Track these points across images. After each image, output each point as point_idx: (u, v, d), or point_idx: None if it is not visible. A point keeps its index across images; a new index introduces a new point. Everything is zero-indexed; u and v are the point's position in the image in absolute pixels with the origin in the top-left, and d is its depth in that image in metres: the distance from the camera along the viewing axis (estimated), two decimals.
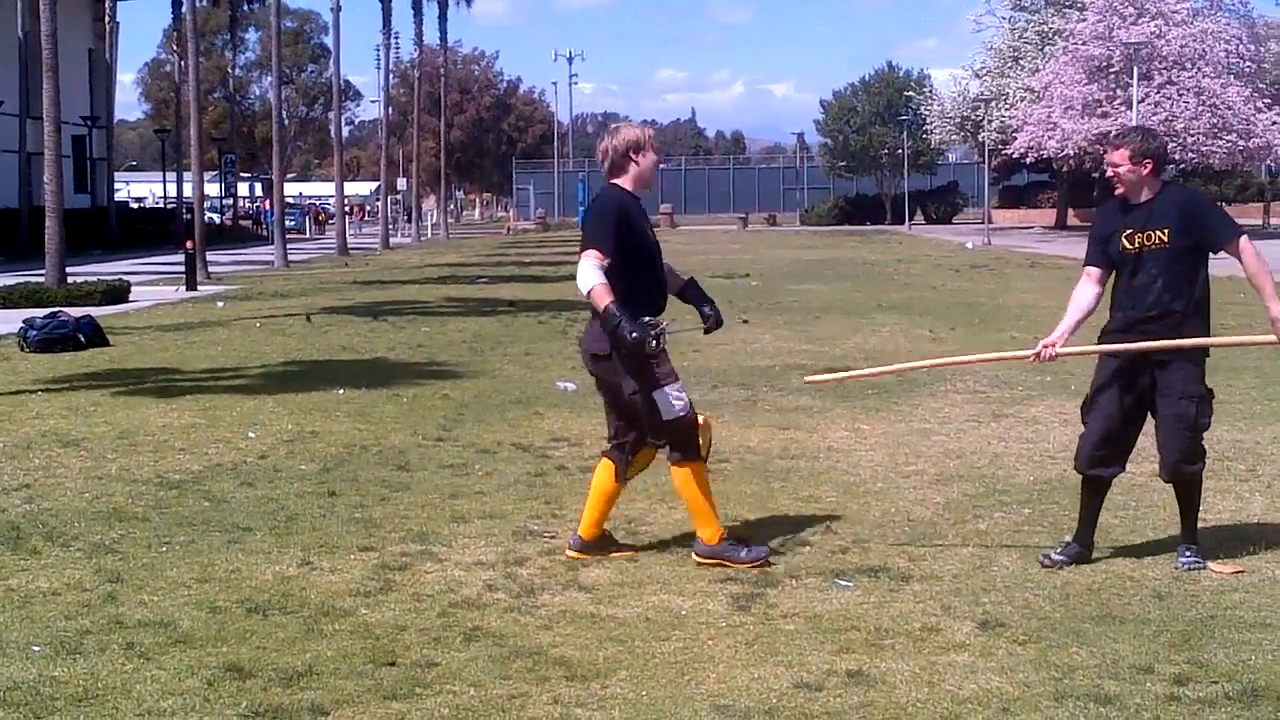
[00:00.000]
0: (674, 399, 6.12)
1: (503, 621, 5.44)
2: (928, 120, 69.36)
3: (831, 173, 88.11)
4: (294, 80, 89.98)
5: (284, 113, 56.87)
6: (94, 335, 16.24)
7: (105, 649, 5.09)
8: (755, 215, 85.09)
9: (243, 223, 72.25)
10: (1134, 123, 37.68)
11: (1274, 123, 51.60)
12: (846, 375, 8.32)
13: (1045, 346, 6.29)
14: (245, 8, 71.46)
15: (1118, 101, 50.64)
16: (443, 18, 71.72)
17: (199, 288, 27.89)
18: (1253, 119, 51.26)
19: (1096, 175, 54.18)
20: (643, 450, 6.40)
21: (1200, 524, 6.33)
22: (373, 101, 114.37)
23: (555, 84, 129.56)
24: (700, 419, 6.32)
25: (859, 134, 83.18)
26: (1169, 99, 50.66)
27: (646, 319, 6.02)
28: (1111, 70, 51.74)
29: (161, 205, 69.98)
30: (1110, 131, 45.66)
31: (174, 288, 27.89)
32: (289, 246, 41.92)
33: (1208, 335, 6.23)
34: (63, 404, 11.46)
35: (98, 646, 5.12)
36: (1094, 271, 6.29)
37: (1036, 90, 55.16)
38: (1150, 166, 6.12)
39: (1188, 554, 6.11)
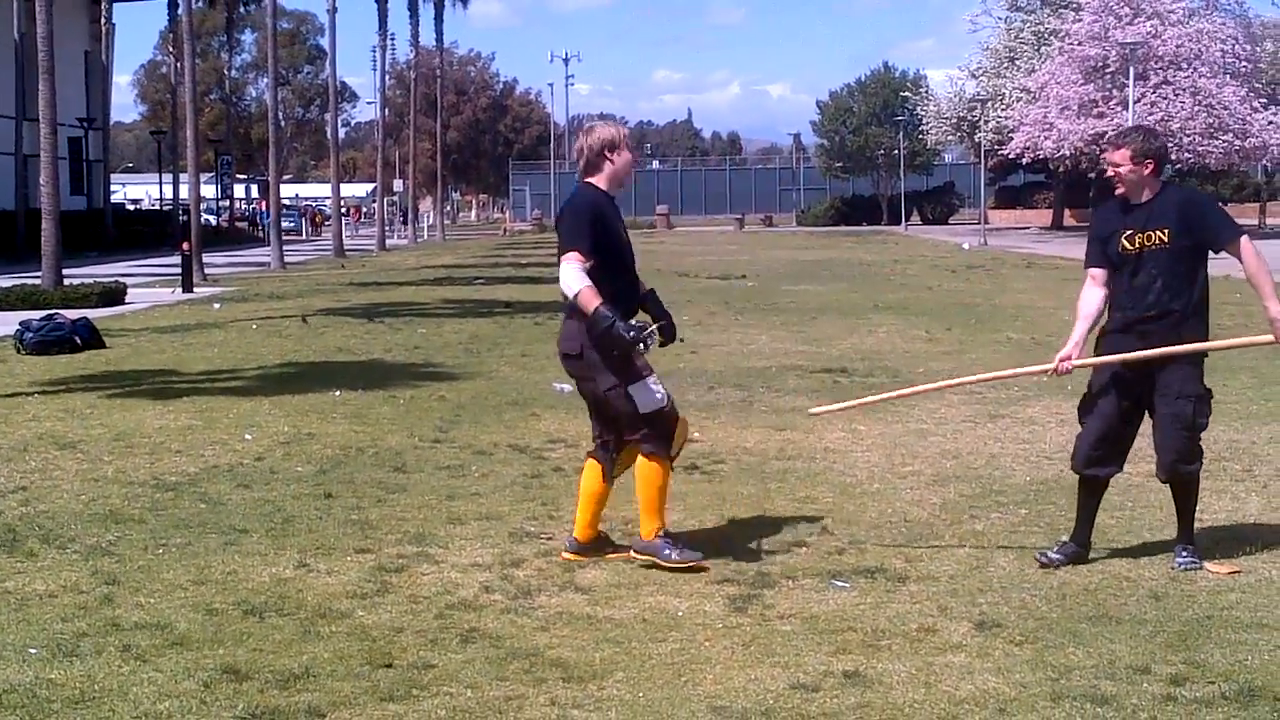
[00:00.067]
0: (654, 389, 6.12)
1: (499, 623, 5.43)
2: (924, 121, 69.48)
3: (828, 173, 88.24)
4: (290, 82, 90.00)
5: (280, 114, 56.91)
6: (90, 337, 16.23)
7: (102, 651, 5.09)
8: (751, 216, 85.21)
9: (239, 224, 72.23)
10: (1130, 123, 37.70)
11: (1270, 122, 51.70)
12: (853, 404, 7.86)
13: (1062, 360, 6.24)
14: (241, 9, 71.50)
15: (1114, 102, 50.69)
16: (439, 19, 71.91)
17: (195, 289, 27.90)
18: (1249, 119, 51.34)
19: (1093, 175, 54.32)
20: (627, 448, 6.38)
21: (1197, 524, 6.34)
22: (369, 103, 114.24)
23: (551, 85, 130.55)
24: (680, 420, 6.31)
25: (855, 135, 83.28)
26: (1165, 99, 50.74)
27: (635, 321, 6.04)
28: (1107, 70, 51.79)
29: (158, 207, 70.03)
30: (1106, 132, 45.92)
31: (170, 289, 27.89)
32: (285, 248, 41.92)
33: (1206, 335, 6.23)
34: (59, 406, 11.45)
35: (94, 649, 5.11)
36: (1097, 274, 6.27)
37: (1032, 91, 55.24)
38: (1151, 166, 6.12)
39: (1184, 554, 6.12)
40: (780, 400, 11.38)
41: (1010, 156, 57.29)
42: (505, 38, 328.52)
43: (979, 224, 56.75)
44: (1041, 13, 61.14)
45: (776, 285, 27.11)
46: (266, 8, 45.43)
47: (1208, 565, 6.06)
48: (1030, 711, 4.47)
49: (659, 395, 6.14)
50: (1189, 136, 50.16)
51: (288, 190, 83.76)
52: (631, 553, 6.31)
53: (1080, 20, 53.12)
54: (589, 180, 6.30)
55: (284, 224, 51.33)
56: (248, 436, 9.80)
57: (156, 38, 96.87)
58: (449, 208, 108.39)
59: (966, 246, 45.49)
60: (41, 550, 6.60)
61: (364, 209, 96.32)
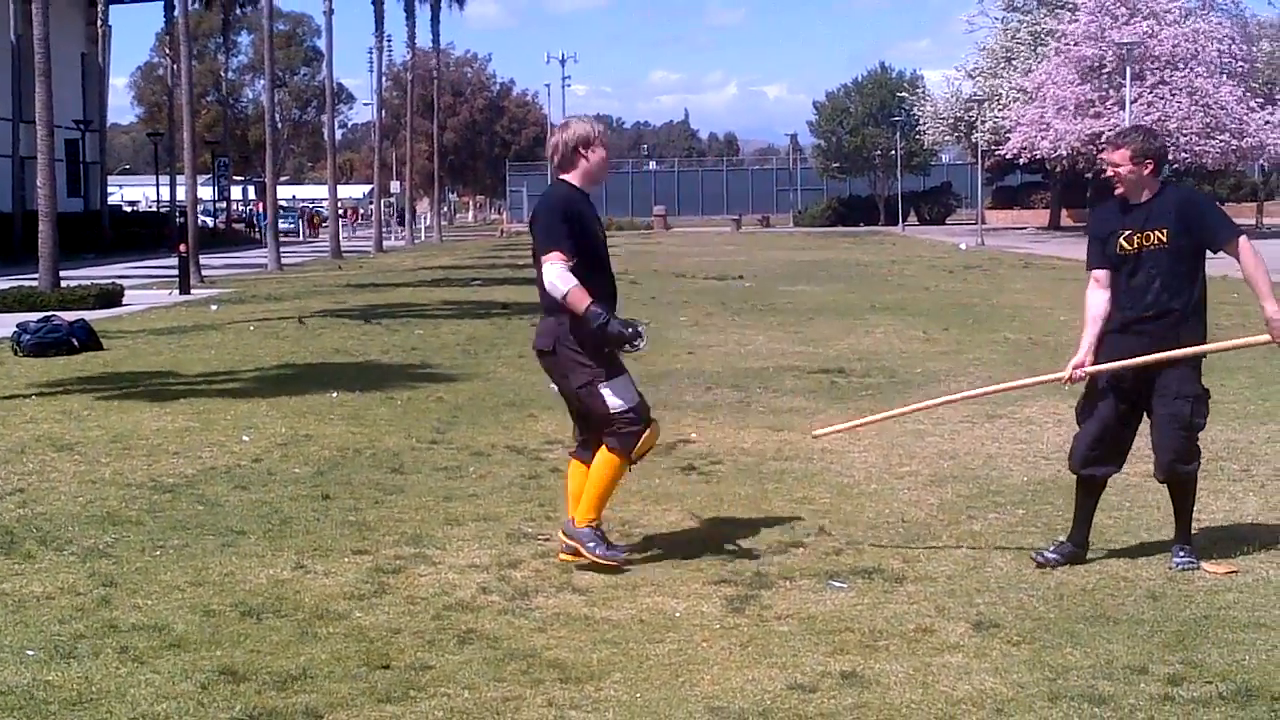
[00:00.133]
0: (625, 391, 6.12)
1: (497, 624, 5.43)
2: (921, 121, 69.51)
3: (825, 174, 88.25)
4: (287, 83, 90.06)
5: (277, 116, 56.88)
6: (87, 339, 16.21)
7: (99, 653, 5.08)
8: (749, 217, 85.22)
9: (236, 226, 72.23)
10: (1127, 123, 37.73)
11: (1266, 122, 51.74)
12: (856, 424, 7.74)
13: (1075, 368, 6.22)
14: (238, 11, 71.49)
15: (1110, 102, 50.73)
16: (435, 20, 71.87)
17: (192, 291, 27.87)
18: (1246, 118, 51.38)
19: (1090, 175, 54.33)
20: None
21: (1194, 524, 6.34)
22: (366, 104, 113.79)
23: (548, 86, 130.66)
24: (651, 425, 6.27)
25: (852, 135, 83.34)
26: (1162, 99, 50.77)
27: (626, 319, 6.06)
28: (1104, 70, 51.83)
29: (155, 209, 69.98)
30: (1103, 132, 46.00)
31: (167, 291, 27.87)
32: (282, 249, 41.92)
33: (1204, 335, 6.22)
34: (56, 408, 11.44)
35: (91, 650, 5.11)
36: (1100, 275, 6.25)
37: (1029, 91, 55.29)
38: (1151, 166, 6.12)
39: (1182, 554, 6.12)
40: (777, 401, 11.38)
41: (1007, 157, 57.32)
42: (502, 39, 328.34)
43: (976, 224, 56.83)
44: (1038, 13, 61.17)
45: (774, 286, 27.11)
46: (263, 9, 45.46)
47: (1205, 565, 6.06)
48: (1028, 711, 4.47)
49: (630, 396, 6.15)
50: (1186, 136, 50.19)
51: (285, 192, 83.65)
52: (561, 534, 6.33)
53: (1076, 20, 53.14)
54: (563, 177, 6.29)
55: (281, 225, 51.42)
56: (245, 438, 9.80)
57: (153, 40, 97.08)
58: (446, 209, 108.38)
59: (964, 247, 45.50)
60: (39, 552, 6.59)
61: (361, 210, 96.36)
